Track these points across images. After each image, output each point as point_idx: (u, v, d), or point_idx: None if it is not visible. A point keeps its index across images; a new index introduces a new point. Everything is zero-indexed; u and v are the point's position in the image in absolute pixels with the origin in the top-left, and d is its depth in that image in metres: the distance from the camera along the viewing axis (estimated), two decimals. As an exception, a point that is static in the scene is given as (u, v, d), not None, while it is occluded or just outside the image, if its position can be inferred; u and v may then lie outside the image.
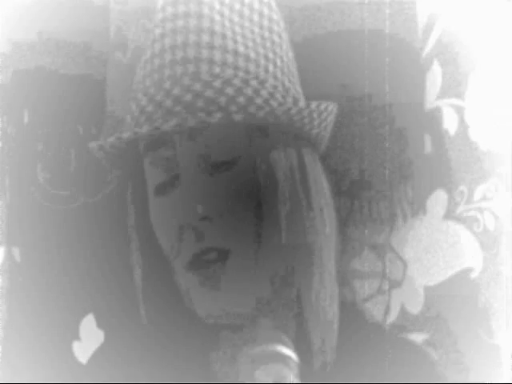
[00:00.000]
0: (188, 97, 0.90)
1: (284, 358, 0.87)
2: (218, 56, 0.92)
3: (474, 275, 1.14)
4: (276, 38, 0.97)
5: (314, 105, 0.93)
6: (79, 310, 1.16)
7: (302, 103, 0.94)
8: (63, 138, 1.17)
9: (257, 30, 0.96)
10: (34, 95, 1.17)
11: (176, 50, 0.92)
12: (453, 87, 1.14)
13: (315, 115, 0.93)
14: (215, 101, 0.89)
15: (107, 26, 1.16)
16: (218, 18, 0.94)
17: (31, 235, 1.17)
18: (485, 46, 1.13)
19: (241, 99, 0.90)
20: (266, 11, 0.97)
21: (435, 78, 1.14)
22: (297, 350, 0.92)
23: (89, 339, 1.16)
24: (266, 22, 0.97)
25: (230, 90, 0.90)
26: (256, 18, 0.96)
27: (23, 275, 1.17)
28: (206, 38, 0.92)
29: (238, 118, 0.89)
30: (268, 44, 0.96)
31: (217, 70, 0.91)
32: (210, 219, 0.90)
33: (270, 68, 0.94)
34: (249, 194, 0.91)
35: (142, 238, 0.98)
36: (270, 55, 0.95)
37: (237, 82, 0.91)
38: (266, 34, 0.97)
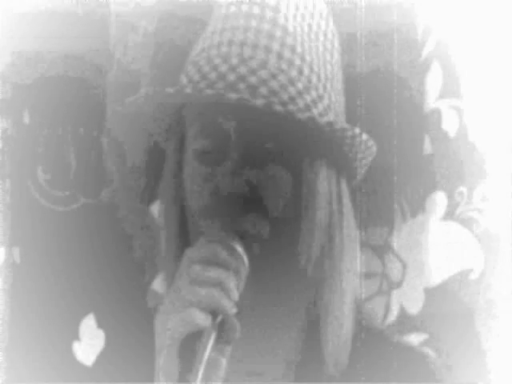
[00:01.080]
0: (253, 79, 0.90)
1: (222, 242, 0.86)
2: (287, 54, 0.93)
3: (473, 276, 1.14)
4: (334, 64, 0.98)
5: (365, 136, 0.94)
6: (79, 310, 1.17)
7: (357, 129, 0.94)
8: (64, 139, 1.18)
9: (321, 48, 0.97)
10: (34, 96, 1.17)
11: (248, 32, 0.93)
12: (452, 88, 1.14)
13: (363, 147, 0.95)
14: (278, 94, 0.90)
15: (107, 29, 1.16)
16: (291, 18, 0.95)
17: (31, 236, 1.18)
18: (484, 47, 1.13)
19: (300, 102, 0.91)
20: (330, 35, 0.99)
21: (435, 78, 1.14)
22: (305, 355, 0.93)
23: (89, 339, 1.16)
24: (328, 45, 0.98)
25: (291, 90, 0.91)
26: (321, 37, 0.97)
27: (23, 276, 1.17)
28: (279, 33, 0.93)
29: (301, 116, 0.89)
30: (328, 66, 0.97)
31: (284, 66, 0.92)
32: (251, 198, 0.90)
33: (328, 87, 0.96)
34: (285, 188, 0.92)
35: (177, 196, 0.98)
36: (329, 75, 0.96)
37: (299, 85, 0.92)
38: (328, 57, 0.97)
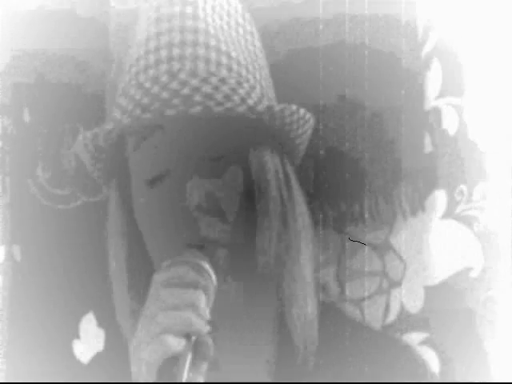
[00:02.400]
0: (186, 90, 0.91)
1: (188, 262, 0.86)
2: (213, 56, 0.94)
3: (473, 274, 1.14)
4: (258, 53, 1.01)
5: (302, 111, 0.96)
6: (79, 308, 1.17)
7: (293, 106, 0.95)
8: (64, 137, 1.18)
9: (243, 41, 0.99)
10: (34, 95, 1.17)
11: (173, 47, 0.94)
12: (452, 87, 1.14)
13: (301, 122, 0.97)
14: (212, 96, 0.91)
15: (107, 29, 1.16)
16: (210, 21, 0.96)
17: (32, 234, 1.17)
18: (484, 46, 1.13)
19: (236, 98, 0.92)
20: (248, 27, 1.01)
21: (435, 77, 1.14)
22: (280, 350, 0.93)
23: (89, 338, 1.16)
24: (249, 37, 1.01)
25: (225, 88, 0.92)
26: (241, 31, 1.01)
27: (23, 274, 1.17)
28: (202, 37, 0.95)
29: (240, 110, 0.91)
30: (253, 56, 0.99)
31: (212, 68, 0.94)
32: (203, 209, 0.91)
33: (257, 76, 0.97)
34: (239, 187, 0.92)
35: (128, 237, 0.99)
36: (256, 65, 0.98)
37: (232, 81, 0.93)
38: (250, 47, 1.00)
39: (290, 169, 0.99)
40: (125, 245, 1.00)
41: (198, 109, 0.90)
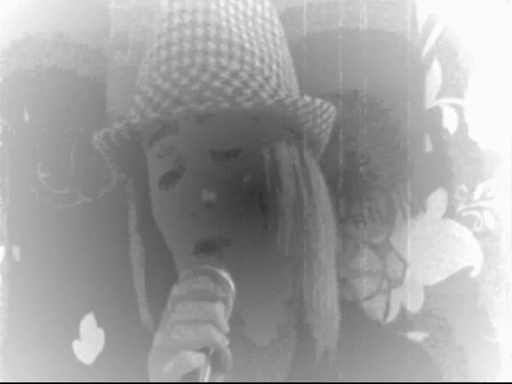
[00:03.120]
0: (196, 86, 0.91)
1: (207, 272, 0.86)
2: (224, 49, 0.93)
3: (473, 274, 1.14)
4: (278, 41, 0.99)
5: (318, 102, 0.94)
6: (79, 309, 1.16)
7: (295, 95, 0.95)
8: (63, 137, 1.17)
9: (260, 31, 0.97)
10: (34, 94, 1.17)
11: (183, 42, 0.93)
12: (453, 86, 1.14)
13: (318, 112, 0.94)
14: (222, 91, 0.90)
15: (107, 26, 1.16)
16: (224, 14, 0.95)
17: (31, 234, 1.17)
18: (485, 46, 1.13)
19: (247, 91, 0.91)
20: (267, 15, 0.99)
21: (435, 77, 1.14)
22: (299, 348, 0.93)
23: (89, 338, 1.16)
24: (268, 26, 0.99)
25: (236, 82, 0.91)
26: (259, 20, 0.98)
27: (23, 274, 1.17)
28: (213, 31, 0.94)
29: (247, 105, 0.90)
30: (271, 45, 0.97)
31: (224, 62, 0.92)
32: (214, 207, 0.90)
33: (274, 67, 0.95)
34: (253, 183, 0.92)
35: (146, 235, 0.99)
36: (274, 55, 0.96)
37: (243, 75, 0.92)
38: (269, 36, 0.98)
39: (311, 161, 0.97)
40: (143, 242, 0.99)
41: (207, 105, 0.89)
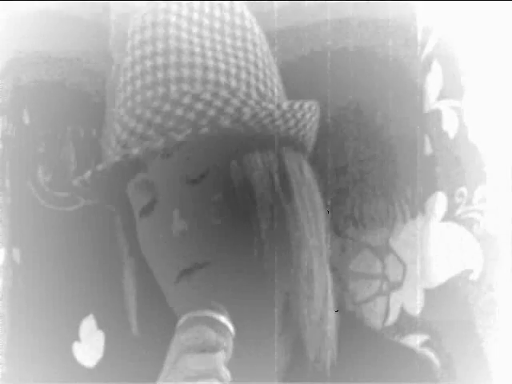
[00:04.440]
0: (158, 119, 0.91)
1: (206, 320, 0.85)
2: (186, 73, 0.92)
3: (473, 277, 1.14)
4: (250, 47, 0.97)
5: (285, 105, 0.93)
6: (79, 310, 1.17)
7: (271, 105, 0.93)
8: (64, 139, 1.18)
9: (228, 41, 0.97)
10: (34, 97, 1.17)
11: (146, 75, 0.93)
12: (453, 89, 1.14)
13: (289, 115, 0.94)
14: (184, 118, 0.90)
15: (107, 30, 1.16)
16: (184, 36, 0.95)
17: (32, 237, 1.17)
18: (485, 48, 1.13)
19: (211, 112, 0.91)
20: (238, 21, 0.98)
21: (435, 79, 1.14)
22: (293, 358, 0.93)
23: (89, 340, 1.16)
24: (238, 32, 0.98)
25: (199, 105, 0.91)
26: (227, 29, 0.97)
27: (23, 277, 1.17)
28: (173, 58, 0.93)
29: (204, 131, 0.89)
30: (240, 53, 0.96)
31: (185, 87, 0.92)
32: (187, 234, 0.90)
33: (243, 76, 0.94)
34: (223, 202, 0.92)
35: (135, 259, 1.00)
36: (242, 63, 0.96)
37: (206, 95, 0.92)
38: (239, 44, 0.97)
39: (296, 163, 0.97)
40: (132, 268, 1.01)
41: (167, 136, 0.89)
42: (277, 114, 0.92)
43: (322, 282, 0.95)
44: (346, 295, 1.13)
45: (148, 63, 0.93)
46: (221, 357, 0.84)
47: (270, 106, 0.92)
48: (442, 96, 1.14)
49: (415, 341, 1.13)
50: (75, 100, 1.17)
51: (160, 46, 0.94)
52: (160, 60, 0.93)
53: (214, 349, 0.84)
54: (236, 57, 0.95)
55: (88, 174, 0.94)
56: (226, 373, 0.84)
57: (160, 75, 0.93)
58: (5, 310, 1.17)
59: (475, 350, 1.13)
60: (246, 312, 0.93)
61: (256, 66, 0.96)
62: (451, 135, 1.14)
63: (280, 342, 0.97)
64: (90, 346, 1.16)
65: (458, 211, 1.14)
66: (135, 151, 0.89)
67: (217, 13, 0.97)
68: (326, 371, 0.94)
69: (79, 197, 1.18)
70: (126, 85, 0.95)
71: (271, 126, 0.93)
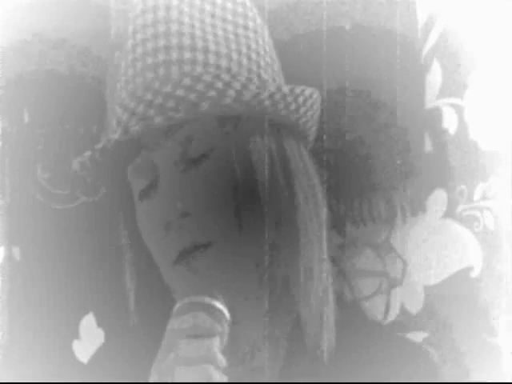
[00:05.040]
0: (159, 99, 0.91)
1: (202, 306, 0.86)
2: (187, 55, 0.93)
3: (473, 274, 1.14)
4: (251, 34, 0.98)
5: (286, 89, 0.93)
6: (79, 309, 1.16)
7: (272, 87, 0.93)
8: (63, 137, 1.18)
9: (230, 27, 0.97)
10: (34, 95, 1.17)
11: (147, 56, 0.93)
12: (453, 87, 1.14)
13: (290, 99, 0.93)
14: (185, 98, 0.90)
15: (107, 26, 1.16)
16: (186, 20, 0.95)
17: (31, 234, 1.17)
18: (485, 46, 1.13)
19: (212, 93, 0.90)
20: (239, 9, 0.99)
21: (435, 77, 1.14)
22: (290, 342, 0.93)
23: (89, 338, 1.16)
24: (240, 20, 0.98)
25: (200, 86, 0.91)
26: (229, 16, 0.98)
27: (23, 274, 1.17)
28: (174, 40, 0.93)
29: (204, 106, 0.89)
30: (242, 40, 0.96)
31: (186, 68, 0.92)
32: (190, 215, 0.90)
33: (244, 62, 0.95)
34: (226, 184, 0.92)
35: (134, 245, 0.99)
36: (244, 50, 0.96)
37: (207, 77, 0.92)
38: (240, 31, 0.97)
39: (296, 151, 0.96)
40: (131, 253, 1.00)
41: (164, 116, 0.89)
42: (278, 96, 0.92)
43: (323, 270, 0.95)
44: (347, 292, 1.13)
45: (149, 45, 0.93)
46: (216, 343, 0.84)
47: (271, 88, 0.92)
48: (442, 94, 1.14)
49: (415, 338, 1.13)
50: (75, 97, 1.17)
51: (161, 28, 0.94)
52: (161, 42, 0.93)
53: (208, 334, 0.84)
54: (238, 43, 0.96)
55: (87, 153, 0.93)
56: (221, 359, 0.83)
57: (161, 57, 0.93)
58: (4, 308, 1.17)
59: (476, 347, 1.13)
60: (243, 296, 0.94)
61: (257, 53, 0.97)
62: (451, 133, 1.14)
63: (278, 327, 0.97)
64: (89, 343, 1.16)
65: (459, 209, 1.14)
66: (134, 128, 0.89)
67: (219, 0, 0.98)
68: (324, 358, 0.94)
69: (79, 194, 1.18)
70: (127, 68, 0.95)
71: (272, 108, 0.93)
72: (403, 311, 1.14)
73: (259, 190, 0.92)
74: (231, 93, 0.90)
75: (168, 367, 0.83)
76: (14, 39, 1.16)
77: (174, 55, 0.93)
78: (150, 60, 0.93)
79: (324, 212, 0.97)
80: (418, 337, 1.13)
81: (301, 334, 0.94)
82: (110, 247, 1.15)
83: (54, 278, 1.17)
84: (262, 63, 0.97)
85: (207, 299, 0.87)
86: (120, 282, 1.13)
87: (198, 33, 0.94)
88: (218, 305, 0.87)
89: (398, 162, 1.14)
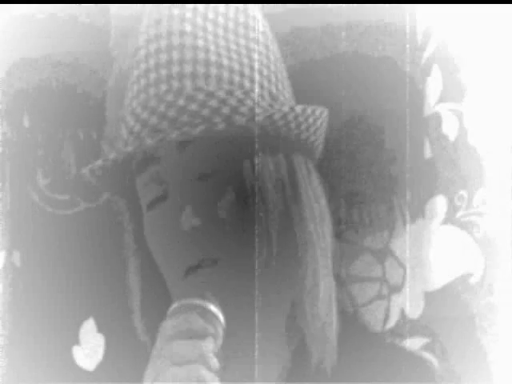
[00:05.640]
0: (172, 112, 0.91)
1: (195, 308, 0.85)
2: (201, 70, 0.93)
3: (473, 280, 1.14)
4: (262, 49, 0.98)
5: (299, 108, 0.93)
6: (79, 314, 1.17)
7: (285, 107, 0.94)
8: (64, 142, 1.18)
9: (242, 41, 0.97)
10: (34, 100, 1.17)
11: (160, 68, 0.93)
12: (452, 92, 1.14)
13: (301, 119, 0.94)
14: (199, 113, 0.91)
15: (108, 32, 1.16)
16: (200, 33, 0.95)
17: (31, 240, 1.17)
18: (484, 52, 1.13)
19: (225, 110, 0.91)
20: (251, 23, 0.99)
21: (435, 82, 1.14)
22: (295, 360, 0.93)
23: (89, 344, 1.16)
24: (251, 34, 0.98)
25: (213, 102, 0.91)
26: (241, 30, 0.98)
27: (23, 280, 1.17)
28: (189, 54, 0.93)
29: (220, 127, 0.89)
30: (254, 55, 0.97)
31: (200, 83, 0.92)
32: (200, 228, 0.90)
33: (256, 77, 0.95)
34: (234, 200, 0.92)
35: (142, 255, 0.99)
36: (256, 65, 0.96)
37: (221, 93, 0.92)
38: (252, 45, 0.97)
39: (301, 166, 0.97)
40: (138, 264, 1.01)
41: (182, 130, 0.89)
42: (290, 116, 0.93)
43: (327, 287, 0.95)
44: (347, 298, 1.13)
45: (163, 57, 0.93)
46: (209, 344, 0.84)
47: (285, 108, 0.93)
48: (442, 99, 1.14)
49: (415, 344, 1.13)
50: (75, 102, 1.17)
51: (176, 41, 0.94)
52: (176, 55, 0.93)
53: (200, 336, 0.84)
54: (250, 58, 0.96)
55: (99, 162, 0.94)
56: (213, 360, 0.83)
57: (175, 69, 0.93)
58: (5, 313, 1.17)
59: (476, 353, 1.13)
60: (250, 311, 0.93)
61: (268, 68, 0.97)
62: (451, 138, 1.14)
63: (283, 343, 0.97)
64: (90, 349, 1.16)
65: (458, 214, 1.14)
66: (149, 142, 0.89)
67: (231, 13, 0.98)
68: (328, 374, 0.94)
69: (79, 200, 1.18)
70: (139, 77, 0.95)
71: (285, 128, 0.93)
72: (403, 317, 1.14)
73: (268, 208, 0.93)
74: (244, 110, 0.91)
75: (160, 368, 0.83)
76: (16, 54, 1.17)
77: (188, 69, 0.93)
78: (163, 71, 0.93)
79: (330, 230, 0.98)
80: (417, 343, 1.13)
81: (304, 349, 0.94)
82: (111, 252, 1.15)
83: (55, 283, 1.17)
84: (273, 79, 0.97)
85: (201, 302, 0.87)
86: (120, 287, 1.13)
87: (212, 47, 0.94)
88: (212, 307, 0.87)
89: (398, 167, 1.14)
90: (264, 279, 0.93)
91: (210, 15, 0.97)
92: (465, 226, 1.14)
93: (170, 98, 0.92)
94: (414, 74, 1.14)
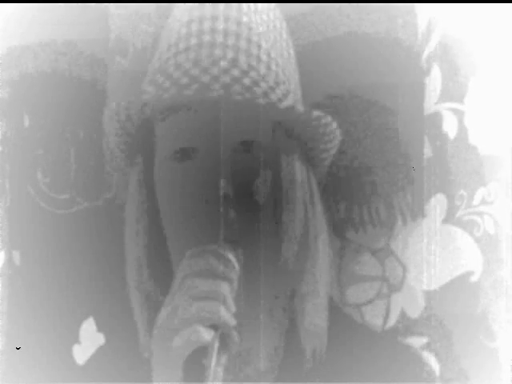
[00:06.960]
0: (226, 79, 0.91)
1: (214, 253, 0.86)
2: (254, 51, 0.94)
3: (473, 279, 1.14)
4: (292, 60, 1.00)
5: (334, 124, 0.96)
6: (79, 313, 1.17)
7: (329, 117, 0.95)
8: (63, 141, 1.18)
9: (280, 45, 0.98)
10: (34, 99, 1.17)
11: (215, 34, 0.94)
12: (452, 91, 1.14)
13: (328, 130, 0.96)
14: (251, 90, 0.91)
15: (107, 31, 1.16)
16: (253, 17, 0.96)
17: (31, 239, 1.17)
18: (485, 51, 1.13)
19: (272, 97, 0.92)
20: (284, 35, 1.00)
21: (435, 82, 1.14)
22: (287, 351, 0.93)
23: (89, 343, 1.16)
24: (284, 44, 1.00)
25: (264, 85, 0.92)
26: (277, 36, 0.99)
27: (23, 279, 1.17)
28: (245, 31, 0.95)
29: (283, 105, 0.91)
30: (285, 53, 0.99)
31: (253, 62, 0.93)
32: (229, 199, 0.90)
33: (292, 87, 0.97)
34: (268, 182, 0.93)
35: (153, 223, 0.97)
36: (287, 71, 0.97)
37: (270, 80, 0.93)
38: (285, 54, 0.99)
39: (314, 183, 0.99)
40: (145, 228, 0.97)
41: (237, 98, 0.89)
42: (323, 120, 0.94)
43: (327, 282, 0.96)
44: (347, 297, 1.13)
45: (220, 24, 0.94)
46: (226, 287, 0.84)
47: (322, 113, 0.94)
48: (442, 98, 1.14)
49: (415, 343, 1.13)
50: (75, 102, 1.17)
51: (233, 14, 0.94)
52: (232, 27, 0.94)
53: (219, 277, 0.84)
54: (289, 61, 0.98)
55: (123, 103, 0.93)
56: (231, 303, 0.83)
57: (231, 40, 0.94)
58: (4, 312, 1.17)
59: (476, 352, 1.13)
60: (255, 297, 0.94)
61: (282, 56, 0.98)
62: (451, 138, 1.14)
63: (275, 338, 0.97)
64: (90, 348, 1.15)
65: (458, 213, 1.14)
66: (210, 95, 0.89)
67: (264, 16, 0.99)
68: (320, 367, 0.94)
69: (79, 199, 1.18)
70: (189, 36, 0.94)
71: (313, 130, 0.95)
72: (403, 316, 1.14)
73: (292, 210, 0.94)
74: (287, 102, 0.92)
75: (176, 305, 0.82)
76: (14, 44, 1.16)
77: (244, 44, 0.94)
78: (219, 39, 0.94)
79: (328, 238, 0.98)
80: (417, 342, 1.13)
81: (298, 345, 0.94)
82: (110, 252, 1.15)
83: (54, 282, 1.17)
84: (292, 78, 0.99)
85: (220, 249, 0.87)
86: (120, 286, 1.13)
87: (262, 35, 0.96)
88: (230, 255, 0.87)
89: (398, 166, 1.14)
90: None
91: (257, 13, 0.98)
92: (465, 225, 1.14)
93: (224, 64, 0.92)
94: (414, 73, 1.14)
